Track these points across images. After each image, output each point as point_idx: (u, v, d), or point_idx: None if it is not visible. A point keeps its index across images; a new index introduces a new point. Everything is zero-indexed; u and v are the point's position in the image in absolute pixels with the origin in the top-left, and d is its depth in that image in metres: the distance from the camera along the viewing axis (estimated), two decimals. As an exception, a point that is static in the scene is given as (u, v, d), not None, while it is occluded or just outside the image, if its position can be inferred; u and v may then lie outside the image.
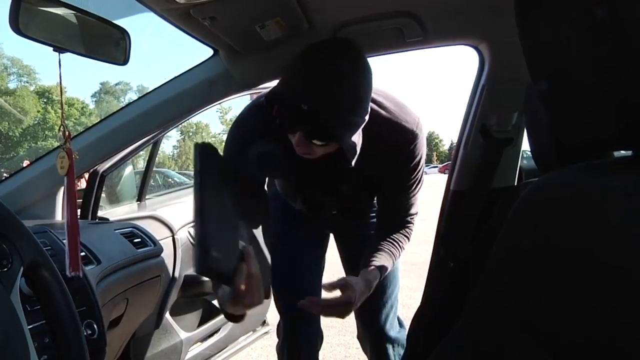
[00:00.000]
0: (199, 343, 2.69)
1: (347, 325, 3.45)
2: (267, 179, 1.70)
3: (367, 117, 1.23)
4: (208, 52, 1.65)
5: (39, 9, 1.23)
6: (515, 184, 1.72)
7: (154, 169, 3.22)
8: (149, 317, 2.23)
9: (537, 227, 0.76)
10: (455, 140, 1.83)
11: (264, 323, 3.08)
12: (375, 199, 1.68)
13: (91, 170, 2.06)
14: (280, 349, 1.89)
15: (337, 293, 1.31)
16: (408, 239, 1.55)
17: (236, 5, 1.26)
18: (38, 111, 58.57)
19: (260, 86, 1.82)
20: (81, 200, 2.12)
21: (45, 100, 59.32)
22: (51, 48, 1.23)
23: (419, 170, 1.46)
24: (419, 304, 1.79)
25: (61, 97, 1.47)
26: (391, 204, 1.55)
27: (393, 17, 1.47)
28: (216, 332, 2.76)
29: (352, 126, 1.20)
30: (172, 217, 2.46)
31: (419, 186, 1.50)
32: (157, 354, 2.42)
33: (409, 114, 1.39)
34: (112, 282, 1.56)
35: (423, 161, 1.46)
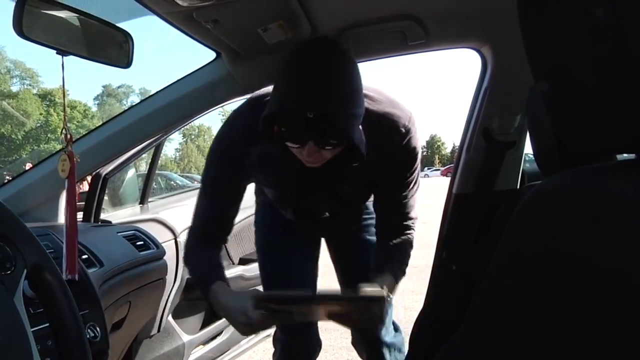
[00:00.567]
0: (201, 346, 2.68)
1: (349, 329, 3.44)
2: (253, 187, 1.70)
3: (364, 109, 1.22)
4: (211, 55, 1.65)
5: (42, 12, 1.23)
6: (518, 187, 1.71)
7: (157, 171, 3.23)
8: (151, 320, 2.23)
9: (539, 230, 0.76)
10: (457, 143, 1.83)
11: (266, 326, 3.08)
12: (372, 205, 1.65)
13: (94, 173, 2.06)
14: (277, 357, 1.87)
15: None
16: (411, 245, 1.52)
17: (239, 8, 1.26)
18: (40, 114, 58.65)
19: (263, 89, 1.82)
20: (84, 202, 2.12)
21: (47, 103, 59.39)
22: (54, 51, 1.23)
23: (415, 168, 1.43)
24: (421, 307, 1.79)
25: (64, 99, 1.48)
26: (388, 205, 1.52)
27: (395, 20, 1.47)
28: (219, 334, 2.76)
29: (357, 120, 1.19)
30: (174, 219, 2.46)
31: (415, 186, 1.47)
32: (159, 357, 2.42)
33: (401, 109, 1.37)
34: (115, 285, 1.56)
35: (418, 159, 1.43)
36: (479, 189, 1.67)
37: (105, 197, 2.25)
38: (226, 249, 2.76)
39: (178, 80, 1.74)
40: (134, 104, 1.93)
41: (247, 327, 1.31)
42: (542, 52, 0.70)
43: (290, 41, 1.45)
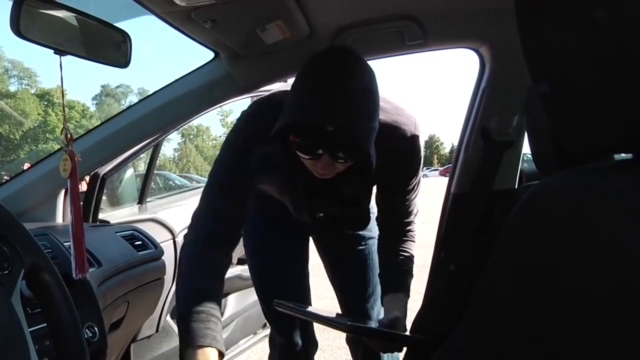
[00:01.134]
0: (199, 346, 2.68)
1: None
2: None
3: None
4: (209, 55, 1.65)
5: (40, 12, 1.23)
6: (516, 186, 1.72)
7: (155, 171, 3.22)
8: (149, 320, 2.23)
9: (537, 230, 0.76)
10: (456, 143, 1.83)
11: (264, 325, 3.08)
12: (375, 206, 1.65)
13: (92, 173, 2.06)
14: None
15: None
16: (414, 242, 1.56)
17: (237, 8, 1.26)
18: (39, 114, 58.62)
19: (261, 89, 1.82)
20: (82, 203, 2.12)
21: (46, 102, 59.36)
22: (52, 51, 1.23)
23: (418, 172, 1.46)
24: (419, 306, 1.79)
25: (62, 99, 1.48)
26: (392, 208, 1.54)
27: (394, 20, 1.47)
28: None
29: (373, 133, 1.17)
30: (173, 219, 2.46)
31: (418, 188, 1.50)
32: (157, 357, 2.42)
33: (407, 117, 1.38)
34: (113, 285, 1.56)
35: (421, 163, 1.45)
36: (477, 188, 1.67)
37: (104, 197, 2.25)
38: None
39: (176, 80, 1.74)
40: (132, 103, 1.93)
41: None
42: (540, 52, 0.70)
43: (288, 41, 1.45)
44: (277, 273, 1.72)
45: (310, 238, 1.86)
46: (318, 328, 1.81)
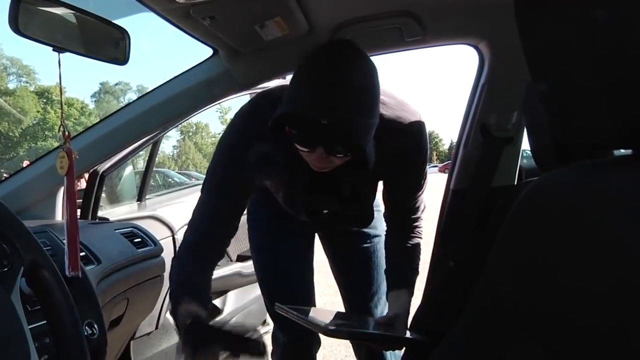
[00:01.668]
0: (199, 343, 2.68)
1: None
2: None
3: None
4: (208, 51, 1.65)
5: (38, 9, 1.23)
6: (515, 183, 1.72)
7: (154, 168, 3.23)
8: (149, 317, 2.23)
9: (536, 227, 0.76)
10: (455, 140, 1.83)
11: (264, 323, 3.09)
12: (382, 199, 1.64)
13: (91, 170, 2.06)
14: (278, 357, 1.86)
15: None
16: (420, 239, 1.56)
17: (236, 5, 1.26)
18: (38, 111, 58.52)
19: (260, 86, 1.82)
20: (81, 200, 2.12)
21: (44, 100, 59.25)
22: (51, 48, 1.23)
23: (425, 168, 1.45)
24: (418, 303, 1.79)
25: (61, 97, 1.48)
26: (398, 204, 1.53)
27: (392, 17, 1.47)
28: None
29: (372, 129, 1.16)
30: (172, 217, 2.47)
31: (425, 184, 1.49)
32: (157, 354, 2.42)
33: (412, 112, 1.36)
34: (113, 282, 1.56)
35: (427, 159, 1.44)
36: (476, 185, 1.67)
37: (103, 195, 2.25)
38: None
39: (175, 77, 1.74)
40: (131, 101, 1.93)
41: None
42: (540, 51, 0.70)
43: (287, 38, 1.45)
44: (282, 270, 1.71)
45: (316, 235, 1.85)
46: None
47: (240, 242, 2.84)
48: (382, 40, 1.57)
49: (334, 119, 1.08)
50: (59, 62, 1.26)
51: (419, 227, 1.56)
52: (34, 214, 1.75)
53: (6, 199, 1.63)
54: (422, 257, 1.56)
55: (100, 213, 2.23)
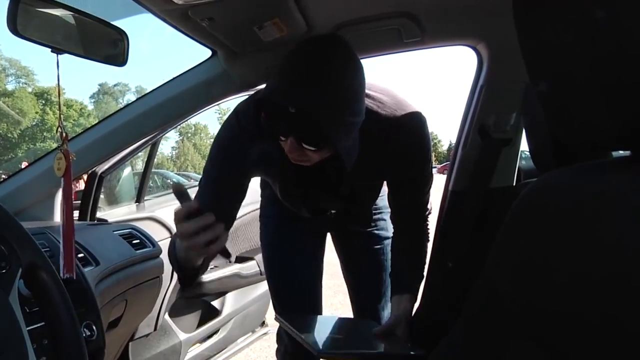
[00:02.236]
0: (198, 344, 2.69)
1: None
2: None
3: (362, 117, 1.17)
4: (206, 53, 1.65)
5: (37, 10, 1.23)
6: (514, 184, 1.72)
7: (153, 170, 3.22)
8: (147, 319, 2.23)
9: (535, 228, 0.76)
10: (453, 141, 1.83)
11: (263, 324, 3.09)
12: (387, 201, 1.63)
13: (90, 171, 2.06)
14: (282, 356, 1.86)
15: None
16: (427, 242, 1.55)
17: (235, 6, 1.26)
18: (36, 112, 58.52)
19: (259, 87, 1.82)
20: (80, 201, 2.12)
21: (43, 101, 59.25)
22: (49, 49, 1.23)
23: (429, 166, 1.43)
24: (418, 303, 1.79)
25: (59, 98, 1.47)
26: (402, 206, 1.53)
27: (391, 18, 1.47)
28: (215, 333, 2.77)
29: (347, 127, 1.14)
30: (170, 218, 2.45)
31: (429, 184, 1.48)
32: (156, 355, 2.42)
33: (411, 111, 1.35)
34: (111, 284, 1.56)
35: (431, 156, 1.43)
36: (475, 186, 1.67)
37: (101, 196, 2.25)
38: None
39: (174, 78, 1.73)
40: (130, 102, 1.92)
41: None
42: (538, 52, 0.70)
43: (286, 39, 1.45)
44: (289, 267, 1.72)
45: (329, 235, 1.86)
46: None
47: (239, 243, 2.84)
48: (381, 42, 1.57)
49: (300, 108, 1.08)
50: (58, 63, 1.26)
51: (426, 230, 1.54)
52: (33, 215, 1.74)
53: (4, 201, 1.63)
54: (420, 258, 1.55)
55: (98, 214, 2.23)
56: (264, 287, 2.81)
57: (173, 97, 1.70)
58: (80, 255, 1.50)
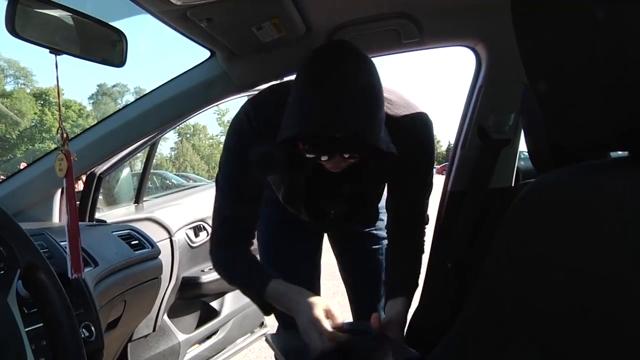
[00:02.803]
0: (197, 345, 2.68)
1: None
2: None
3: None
4: (205, 53, 1.64)
5: (35, 11, 1.23)
6: (513, 184, 1.72)
7: (152, 170, 3.22)
8: (146, 319, 2.22)
9: (534, 228, 0.77)
10: (452, 141, 1.83)
11: (262, 324, 3.08)
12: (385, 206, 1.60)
13: (88, 172, 2.06)
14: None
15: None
16: (423, 252, 1.53)
17: (233, 6, 1.25)
18: (35, 113, 58.41)
19: (257, 88, 1.82)
20: (78, 202, 2.11)
21: (42, 102, 59.14)
22: (48, 50, 1.23)
23: (431, 168, 1.43)
24: (416, 304, 1.79)
25: (58, 99, 1.47)
26: (401, 211, 1.50)
27: (389, 19, 1.47)
28: (214, 333, 2.76)
29: (380, 124, 1.13)
30: (169, 219, 2.46)
31: (429, 190, 1.46)
32: (155, 356, 2.42)
33: (419, 112, 1.34)
34: (110, 284, 1.56)
35: (433, 160, 1.42)
36: (473, 186, 1.67)
37: (100, 197, 2.24)
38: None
39: (173, 79, 1.73)
40: (128, 102, 1.92)
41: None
42: (536, 52, 0.70)
43: (284, 40, 1.45)
44: (286, 269, 1.71)
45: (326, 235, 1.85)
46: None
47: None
48: (380, 42, 1.57)
49: (346, 131, 1.06)
50: (56, 64, 1.26)
51: (422, 241, 1.52)
52: (31, 216, 1.74)
53: (3, 202, 1.63)
54: (419, 258, 1.54)
55: (97, 215, 2.23)
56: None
57: (172, 98, 1.70)
58: (79, 256, 1.50)
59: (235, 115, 1.37)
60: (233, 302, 2.83)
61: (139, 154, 2.62)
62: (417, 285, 1.50)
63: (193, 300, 2.68)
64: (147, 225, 2.29)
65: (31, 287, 0.87)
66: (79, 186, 2.22)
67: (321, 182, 1.38)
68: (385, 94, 1.27)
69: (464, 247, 1.65)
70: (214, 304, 2.77)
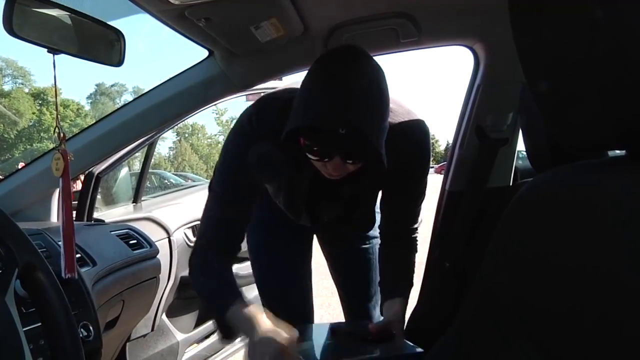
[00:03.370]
0: (195, 344, 2.69)
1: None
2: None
3: None
4: (203, 53, 1.64)
5: (33, 10, 1.23)
6: (511, 184, 1.72)
7: (150, 170, 3.22)
8: (145, 319, 2.22)
9: (532, 227, 0.77)
10: (450, 141, 1.83)
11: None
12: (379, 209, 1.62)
13: (87, 171, 2.06)
14: None
15: None
16: (416, 252, 1.55)
17: (231, 6, 1.25)
18: (33, 113, 58.28)
19: (256, 87, 1.82)
20: (77, 202, 2.11)
21: (40, 102, 59.00)
22: (46, 49, 1.22)
23: (426, 175, 1.44)
24: (414, 304, 1.79)
25: (56, 98, 1.47)
26: (396, 214, 1.52)
27: (388, 18, 1.47)
28: (213, 333, 2.76)
29: (384, 133, 1.15)
30: (168, 218, 2.46)
31: (424, 194, 1.48)
32: (153, 356, 2.42)
33: (418, 120, 1.35)
34: (108, 284, 1.56)
35: (428, 168, 1.43)
36: (472, 186, 1.67)
37: (98, 196, 2.24)
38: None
39: (171, 79, 1.73)
40: (127, 102, 1.92)
41: None
42: (534, 51, 0.70)
43: (283, 39, 1.45)
44: (278, 271, 1.70)
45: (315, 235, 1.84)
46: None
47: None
48: (378, 42, 1.57)
49: (351, 128, 1.07)
50: (54, 63, 1.26)
51: (415, 240, 1.55)
52: (29, 216, 1.74)
53: (1, 201, 1.63)
54: (418, 258, 1.54)
55: (95, 215, 2.22)
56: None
57: (170, 98, 1.69)
58: (78, 255, 1.50)
59: (238, 118, 1.37)
60: (232, 301, 2.82)
61: (137, 154, 2.61)
62: (412, 283, 1.52)
63: (191, 300, 2.68)
64: (146, 224, 2.29)
65: (29, 287, 0.86)
66: (77, 186, 2.22)
67: (321, 187, 1.37)
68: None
69: (462, 247, 1.65)
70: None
